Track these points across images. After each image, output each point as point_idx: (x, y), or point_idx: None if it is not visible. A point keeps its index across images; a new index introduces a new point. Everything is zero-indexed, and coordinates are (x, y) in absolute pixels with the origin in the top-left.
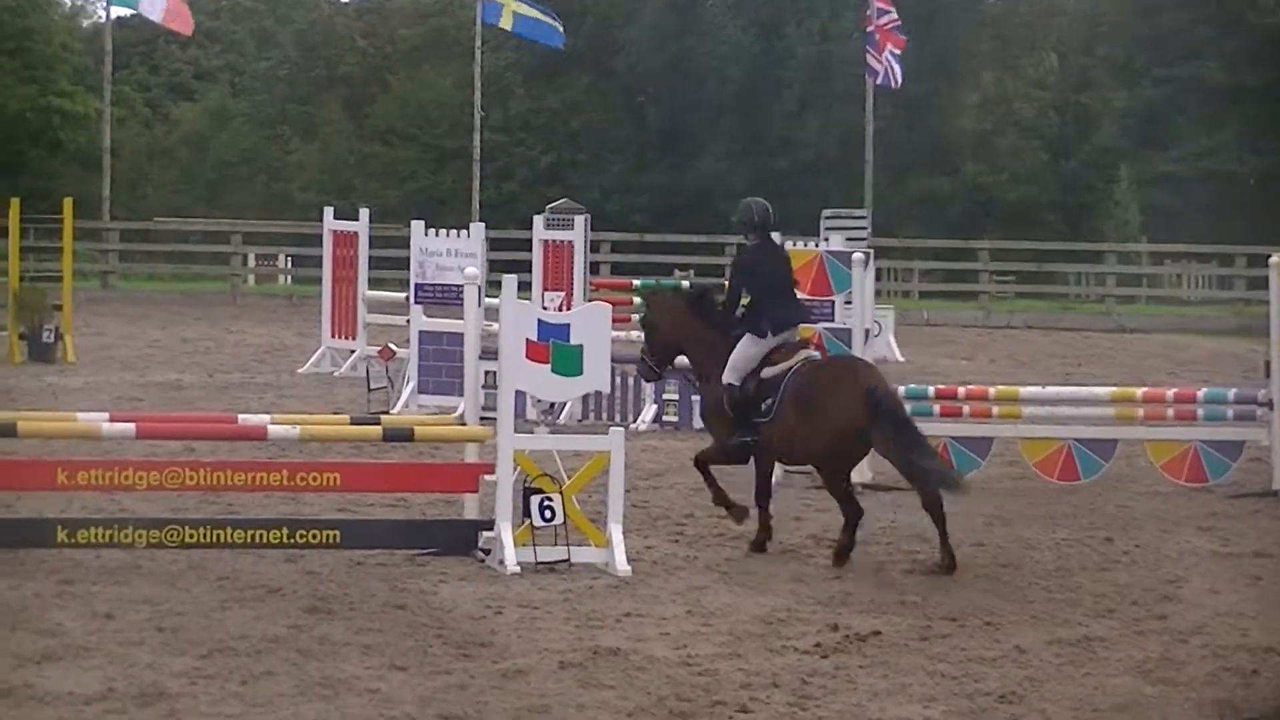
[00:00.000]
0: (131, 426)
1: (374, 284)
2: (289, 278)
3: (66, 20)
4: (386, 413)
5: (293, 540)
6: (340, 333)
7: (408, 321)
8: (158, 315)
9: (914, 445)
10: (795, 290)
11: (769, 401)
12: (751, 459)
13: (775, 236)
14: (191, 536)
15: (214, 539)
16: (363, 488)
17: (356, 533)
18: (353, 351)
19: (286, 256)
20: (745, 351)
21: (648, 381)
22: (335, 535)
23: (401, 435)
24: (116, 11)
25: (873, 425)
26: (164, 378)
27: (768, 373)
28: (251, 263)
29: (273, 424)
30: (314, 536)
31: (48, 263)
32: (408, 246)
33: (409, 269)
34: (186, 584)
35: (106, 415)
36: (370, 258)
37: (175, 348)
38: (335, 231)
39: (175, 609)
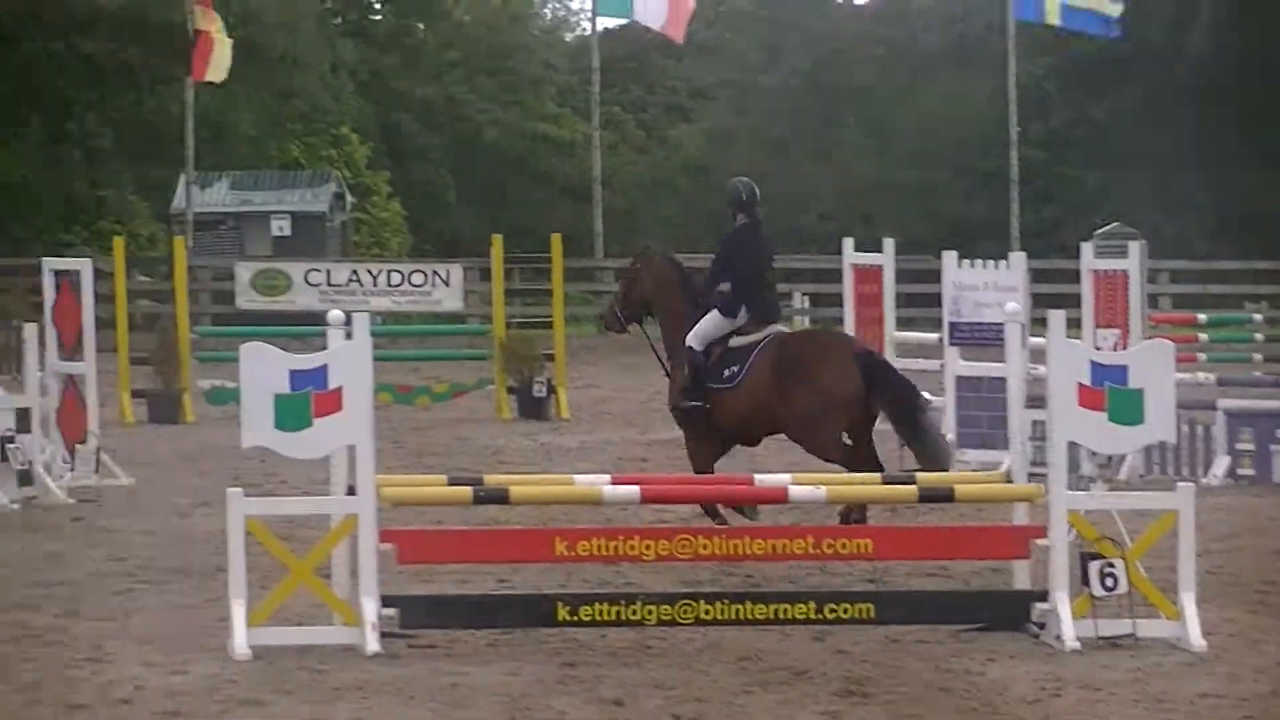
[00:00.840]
0: (636, 490)
1: (902, 324)
2: (806, 318)
3: (548, 34)
4: (921, 470)
5: (821, 615)
6: None
7: (942, 366)
8: (656, 363)
9: (915, 410)
10: (772, 280)
11: (734, 369)
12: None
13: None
14: (707, 612)
15: (733, 615)
16: (898, 555)
17: (893, 606)
18: None
19: (803, 294)
20: (715, 322)
21: (609, 330)
22: (869, 609)
23: (940, 495)
24: (604, 22)
25: (872, 390)
26: (669, 434)
27: (735, 342)
28: None
29: (794, 485)
30: (845, 611)
31: (536, 307)
32: (939, 281)
33: (941, 306)
34: (703, 665)
35: (608, 477)
36: (897, 294)
37: None
38: (857, 265)
39: (692, 694)
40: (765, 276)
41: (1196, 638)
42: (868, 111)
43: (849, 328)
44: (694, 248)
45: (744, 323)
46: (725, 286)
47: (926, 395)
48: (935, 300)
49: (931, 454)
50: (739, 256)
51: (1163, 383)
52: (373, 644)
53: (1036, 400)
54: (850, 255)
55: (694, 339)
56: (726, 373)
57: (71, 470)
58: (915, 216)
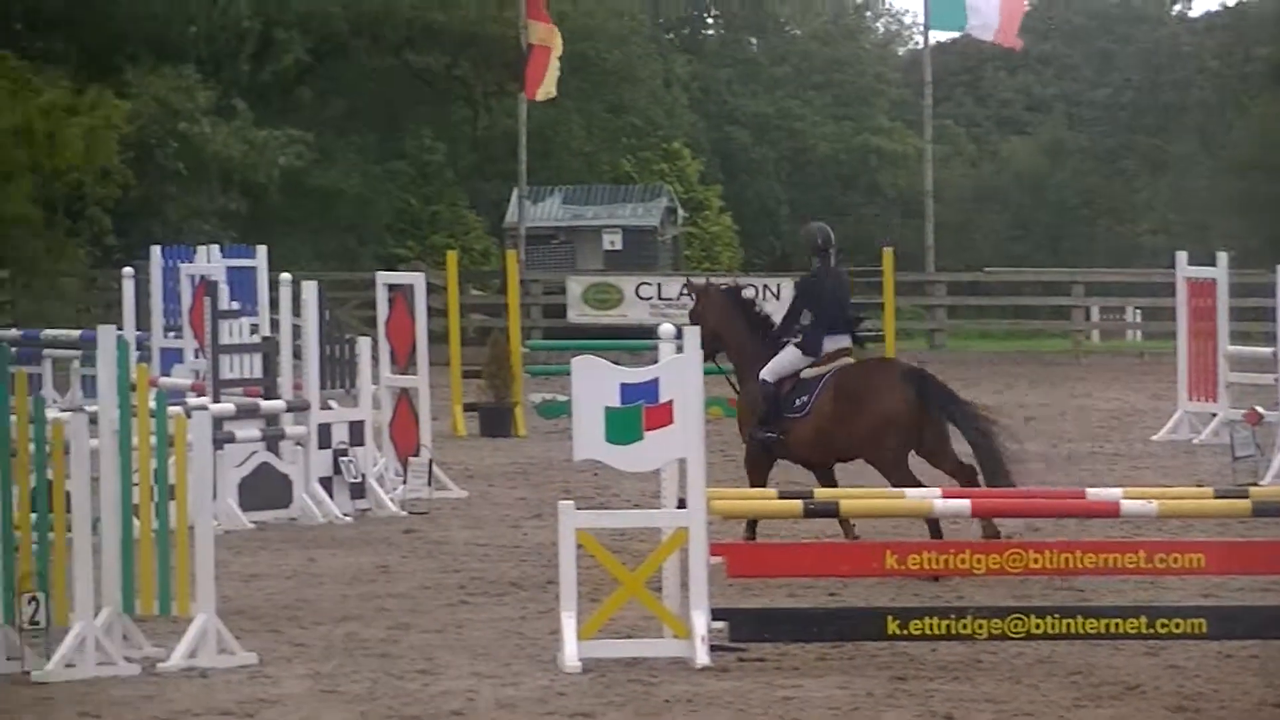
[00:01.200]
0: (967, 503)
1: (1236, 338)
2: (1138, 333)
3: (880, 48)
4: (1256, 484)
5: (1153, 630)
6: (1199, 394)
7: (1276, 380)
8: (992, 378)
9: (966, 414)
10: (851, 312)
11: (804, 398)
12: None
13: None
14: (1038, 627)
15: (1064, 629)
16: (1231, 570)
17: (1225, 621)
18: (1214, 415)
19: (1135, 309)
20: (791, 358)
21: None
22: (1201, 624)
23: (1274, 510)
24: (937, 36)
25: (924, 404)
26: None
27: (807, 373)
28: (1095, 316)
29: (1126, 499)
30: (1177, 626)
31: (866, 321)
32: (1274, 294)
33: (1276, 320)
34: (1034, 680)
35: (938, 491)
36: (1231, 308)
37: (1012, 414)
38: (1190, 279)
39: (1022, 708)
40: (844, 312)
41: None
42: (1200, 123)
43: (1181, 341)
44: (1024, 261)
45: (821, 358)
46: (806, 321)
47: (1260, 409)
48: (1270, 314)
49: (987, 462)
50: (818, 298)
51: None
52: (703, 657)
53: None
54: (1184, 269)
55: (768, 372)
56: (798, 402)
57: (404, 483)
58: (1249, 229)
